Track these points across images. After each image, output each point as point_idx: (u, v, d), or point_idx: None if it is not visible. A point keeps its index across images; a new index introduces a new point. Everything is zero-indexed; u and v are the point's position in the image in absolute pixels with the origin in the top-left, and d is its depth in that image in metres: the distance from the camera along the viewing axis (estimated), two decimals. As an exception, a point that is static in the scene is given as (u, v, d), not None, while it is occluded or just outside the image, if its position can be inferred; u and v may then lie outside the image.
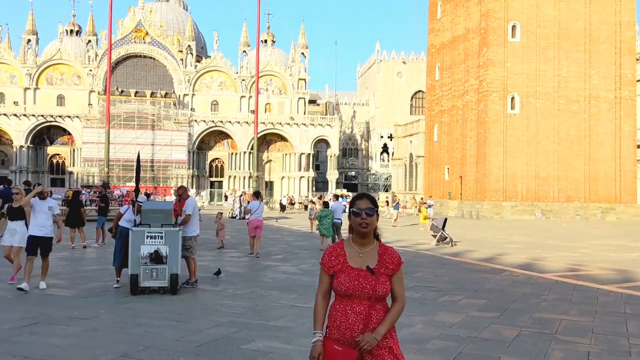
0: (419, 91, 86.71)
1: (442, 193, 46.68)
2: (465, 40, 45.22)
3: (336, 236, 17.42)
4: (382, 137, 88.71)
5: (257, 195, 16.56)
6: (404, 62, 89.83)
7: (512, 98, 42.46)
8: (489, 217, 40.24)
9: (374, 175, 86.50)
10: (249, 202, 16.02)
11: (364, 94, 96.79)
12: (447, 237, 19.21)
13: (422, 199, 37.58)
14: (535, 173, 42.56)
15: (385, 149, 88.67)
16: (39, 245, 9.49)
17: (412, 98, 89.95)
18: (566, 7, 43.02)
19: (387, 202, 36.13)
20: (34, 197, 9.64)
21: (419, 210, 33.77)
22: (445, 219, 20.45)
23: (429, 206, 35.43)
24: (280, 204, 52.23)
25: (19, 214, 10.25)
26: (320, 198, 23.88)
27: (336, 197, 24.72)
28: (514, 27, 42.50)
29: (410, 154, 57.26)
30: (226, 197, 44.81)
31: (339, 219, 17.60)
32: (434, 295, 9.87)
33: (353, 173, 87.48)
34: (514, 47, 42.44)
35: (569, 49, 43.12)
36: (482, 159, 42.68)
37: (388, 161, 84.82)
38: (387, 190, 70.50)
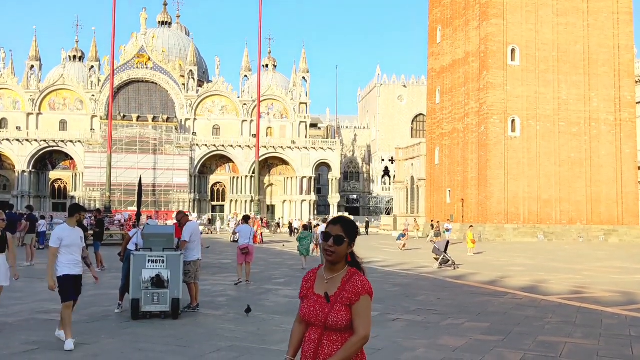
0: (420, 114, 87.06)
1: (443, 216, 46.53)
2: (465, 64, 45.56)
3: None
4: (383, 160, 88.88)
5: (246, 219, 16.10)
6: (404, 86, 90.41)
7: (513, 121, 42.62)
8: (491, 240, 40.09)
9: (375, 198, 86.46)
10: (237, 224, 15.65)
11: (365, 118, 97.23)
12: (449, 260, 19.14)
13: (437, 222, 36.83)
14: (537, 195, 42.50)
15: (386, 172, 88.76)
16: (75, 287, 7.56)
17: (413, 121, 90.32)
18: (565, 30, 43.41)
19: (431, 225, 35.08)
20: None
21: (435, 234, 33.37)
22: (447, 242, 20.40)
23: (447, 230, 34.79)
24: (290, 226, 50.96)
25: (2, 245, 8.34)
26: (324, 221, 24.13)
27: (324, 220, 25.14)
28: (513, 50, 42.84)
29: (412, 176, 57.27)
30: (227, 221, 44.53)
31: None
32: (436, 319, 9.80)
33: (355, 196, 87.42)
34: (514, 70, 42.73)
35: (569, 72, 43.39)
36: (483, 182, 42.68)
37: (390, 184, 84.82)
38: (388, 214, 70.35)
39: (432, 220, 36.92)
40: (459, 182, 45.82)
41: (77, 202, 65.52)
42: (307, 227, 21.16)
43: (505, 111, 42.36)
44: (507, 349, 7.64)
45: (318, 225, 23.44)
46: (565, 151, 43.03)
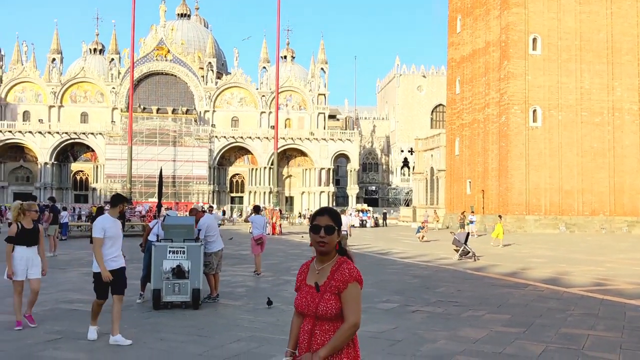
0: (440, 105, 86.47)
1: (463, 207, 46.19)
2: (485, 54, 45.06)
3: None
4: (402, 151, 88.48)
5: (256, 210, 15.91)
6: (423, 76, 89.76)
7: (534, 111, 42.09)
8: (512, 231, 39.74)
9: (394, 189, 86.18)
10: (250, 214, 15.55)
11: (384, 108, 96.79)
12: (469, 252, 19.01)
13: (462, 213, 36.40)
14: (558, 186, 42.00)
15: (405, 163, 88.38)
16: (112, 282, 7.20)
17: (432, 112, 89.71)
18: (587, 19, 42.67)
19: (461, 219, 34.66)
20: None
21: (461, 225, 32.88)
22: (468, 234, 20.26)
23: (471, 222, 34.40)
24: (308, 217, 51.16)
25: (35, 238, 8.06)
26: (342, 212, 24.16)
27: (342, 212, 25.05)
28: (534, 39, 42.24)
29: (431, 167, 56.92)
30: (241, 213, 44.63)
31: (345, 230, 18.79)
32: (457, 310, 9.74)
33: (373, 188, 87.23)
34: (535, 59, 42.14)
35: (591, 61, 42.69)
36: (504, 173, 42.28)
37: (409, 175, 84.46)
38: (408, 205, 70.10)
39: (462, 213, 36.52)
40: (479, 173, 45.45)
41: (98, 193, 66.39)
42: None
43: (526, 101, 41.86)
44: (528, 341, 7.57)
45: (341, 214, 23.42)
46: (588, 141, 42.41)
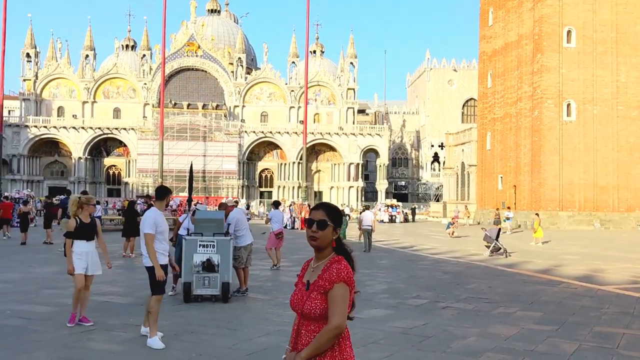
0: (471, 99, 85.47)
1: (495, 203, 45.64)
2: (518, 47, 44.32)
3: (367, 240, 19.90)
4: (432, 146, 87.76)
5: (276, 205, 16.22)
6: (454, 70, 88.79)
7: (568, 105, 41.28)
8: (544, 228, 38.95)
9: (424, 184, 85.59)
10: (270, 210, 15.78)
11: (414, 103, 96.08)
12: (501, 248, 18.76)
13: (497, 209, 35.70)
14: (593, 182, 41.14)
15: (436, 158, 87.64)
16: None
17: (463, 106, 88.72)
18: (624, 10, 41.60)
19: (496, 215, 34.02)
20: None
21: (495, 221, 32.29)
22: (499, 230, 19.99)
23: (508, 218, 33.76)
24: (343, 212, 51.18)
25: (93, 232, 7.93)
26: (367, 208, 24.24)
27: (366, 207, 25.67)
28: (569, 32, 41.38)
29: (462, 162, 56.33)
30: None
31: (369, 225, 20.16)
32: (487, 307, 9.63)
33: (403, 183, 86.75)
34: (569, 52, 41.29)
35: (628, 54, 41.64)
36: (537, 168, 41.61)
37: (439, 170, 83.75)
38: (438, 200, 69.55)
39: (497, 209, 35.99)
40: (512, 168, 44.82)
41: (130, 187, 67.45)
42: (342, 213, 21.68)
43: (560, 95, 41.08)
44: (561, 339, 7.43)
45: (364, 210, 23.51)
46: (624, 136, 41.43)
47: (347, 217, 50.43)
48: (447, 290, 11.47)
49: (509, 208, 37.57)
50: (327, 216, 3.00)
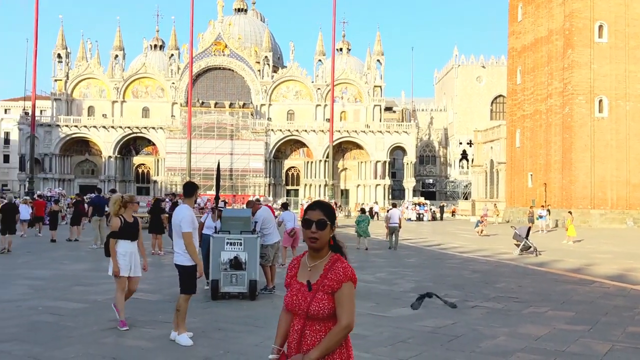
0: (500, 96, 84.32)
1: (525, 201, 45.03)
2: (548, 42, 43.59)
3: (393, 239, 19.94)
4: (460, 143, 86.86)
5: (285, 206, 16.80)
6: (483, 67, 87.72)
7: (600, 101, 40.46)
8: (575, 226, 38.39)
9: (452, 182, 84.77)
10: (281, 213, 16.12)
11: (442, 100, 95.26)
12: (531, 247, 18.48)
13: (531, 207, 34.98)
14: (626, 179, 40.27)
15: (464, 155, 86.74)
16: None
17: (492, 103, 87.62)
18: (658, 3, 40.62)
19: (530, 213, 33.08)
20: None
21: (529, 220, 31.62)
22: (529, 228, 19.70)
23: (541, 216, 33.15)
24: (371, 210, 50.70)
25: (137, 232, 7.76)
26: (394, 206, 24.24)
27: (393, 205, 25.66)
28: (600, 27, 40.54)
29: (491, 160, 55.64)
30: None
31: (395, 223, 20.14)
32: (517, 307, 9.49)
33: (431, 180, 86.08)
34: (601, 47, 40.47)
35: (662, 48, 40.65)
36: (567, 165, 40.90)
37: (467, 168, 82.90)
38: (466, 198, 68.85)
39: (530, 207, 35.37)
40: (542, 165, 44.14)
41: (159, 186, 68.28)
42: (364, 211, 22.14)
43: (591, 91, 40.31)
44: (593, 339, 7.28)
45: (391, 208, 23.44)
46: (659, 132, 40.47)
47: (372, 215, 50.72)
48: (476, 289, 11.33)
49: (542, 206, 36.74)
50: (325, 215, 2.96)
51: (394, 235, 20.08)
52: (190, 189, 7.24)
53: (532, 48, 45.94)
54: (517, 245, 18.83)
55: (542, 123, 44.16)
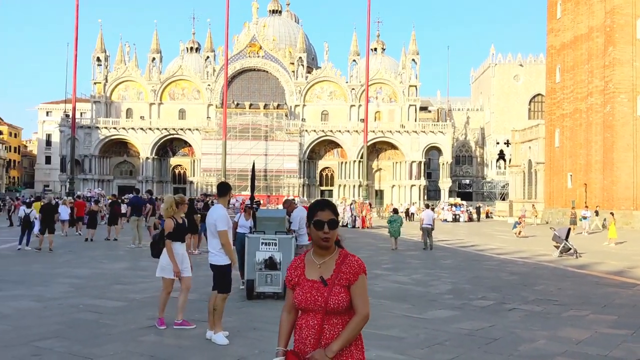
0: (538, 94, 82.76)
1: (564, 201, 44.08)
2: (588, 40, 42.59)
3: (427, 240, 20.01)
4: (497, 143, 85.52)
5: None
6: (520, 65, 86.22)
7: (643, 99, 39.33)
8: (617, 228, 37.36)
9: (489, 183, 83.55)
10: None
11: (478, 99, 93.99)
12: (570, 248, 18.06)
13: (573, 208, 34.08)
14: (670, 180, 39.04)
15: (501, 155, 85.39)
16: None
17: (530, 102, 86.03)
18: None
19: (572, 215, 32.18)
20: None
21: (572, 221, 30.80)
22: (569, 229, 19.25)
23: (584, 217, 32.37)
24: (407, 211, 50.50)
25: (184, 233, 7.78)
26: (427, 207, 24.15)
27: (427, 206, 25.31)
28: (643, 23, 39.41)
29: (529, 160, 54.62)
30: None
31: (429, 224, 20.17)
32: (557, 310, 9.27)
33: (467, 181, 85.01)
34: (644, 44, 39.35)
35: None
36: (609, 165, 39.87)
37: (504, 168, 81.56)
38: (504, 199, 67.75)
39: (572, 208, 34.53)
40: (582, 165, 43.14)
41: (195, 186, 69.13)
42: (396, 211, 22.33)
43: (634, 89, 39.23)
44: (637, 344, 7.07)
45: (424, 209, 23.30)
46: None
47: (409, 216, 50.40)
48: (514, 291, 11.12)
49: (586, 207, 35.78)
50: (334, 214, 3.05)
51: (428, 236, 20.08)
52: (224, 189, 7.36)
53: (571, 46, 44.96)
54: (557, 247, 18.42)
55: (582, 122, 43.17)
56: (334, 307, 2.92)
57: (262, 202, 45.57)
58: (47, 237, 17.82)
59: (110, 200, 26.91)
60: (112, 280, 11.86)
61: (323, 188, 73.77)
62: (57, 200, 26.04)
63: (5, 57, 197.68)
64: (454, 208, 49.15)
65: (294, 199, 13.02)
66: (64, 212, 25.58)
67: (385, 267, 14.90)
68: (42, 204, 19.80)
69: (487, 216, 55.45)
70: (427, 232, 20.13)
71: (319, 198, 3.32)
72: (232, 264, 7.01)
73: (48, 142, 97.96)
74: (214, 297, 7.02)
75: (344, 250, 3.09)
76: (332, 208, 3.07)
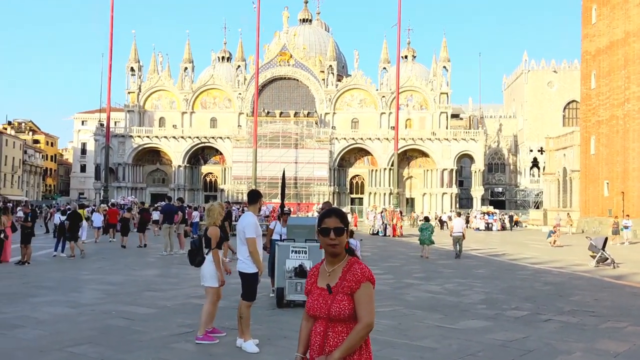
0: (572, 101, 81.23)
1: (600, 210, 43.08)
2: (624, 45, 41.67)
3: (458, 247, 20.18)
4: (531, 150, 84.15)
5: (351, 234, 16.22)
6: (554, 71, 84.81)
7: (682, 105, 38.27)
8: (656, 237, 36.37)
9: (523, 191, 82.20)
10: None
11: (511, 106, 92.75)
12: (608, 258, 17.61)
13: (616, 217, 33.15)
14: None
15: (535, 163, 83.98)
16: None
17: (564, 108, 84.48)
18: None
19: (615, 225, 31.40)
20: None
21: (614, 231, 30.09)
22: (606, 239, 18.79)
23: (626, 227, 31.46)
24: (440, 220, 50.01)
25: (222, 241, 7.71)
26: (458, 215, 24.04)
27: (458, 214, 25.29)
28: (682, 26, 38.43)
29: (564, 168, 53.58)
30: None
31: (459, 232, 20.22)
32: (594, 321, 9.02)
33: (500, 189, 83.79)
34: (683, 48, 38.34)
35: None
36: (646, 173, 38.83)
37: (538, 176, 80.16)
38: (538, 207, 66.55)
39: (615, 217, 33.59)
40: (619, 173, 42.12)
41: (225, 194, 69.67)
42: (427, 219, 22.73)
43: (672, 94, 38.19)
44: (681, 358, 6.81)
45: (450, 218, 23.26)
46: None
47: (442, 224, 49.83)
48: (548, 301, 10.87)
49: (627, 216, 34.72)
50: (341, 222, 3.09)
51: (458, 244, 20.09)
52: (254, 197, 7.34)
53: (607, 51, 44.06)
54: (593, 257, 17.99)
55: (619, 129, 42.20)
56: (335, 315, 2.96)
57: (292, 210, 45.68)
58: (70, 244, 18.04)
59: (139, 208, 27.34)
60: (144, 287, 11.98)
61: (353, 196, 73.57)
62: (93, 207, 26.51)
63: (43, 69, 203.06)
64: (486, 216, 48.46)
65: (329, 202, 12.98)
66: (97, 219, 26.15)
67: (416, 276, 14.73)
68: (67, 210, 20.23)
69: (515, 224, 54.48)
70: (457, 240, 20.13)
71: (332, 206, 3.36)
72: (259, 273, 7.00)
73: (83, 151, 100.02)
74: (240, 305, 7.01)
75: (353, 258, 3.12)
76: (340, 216, 3.13)
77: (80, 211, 20.53)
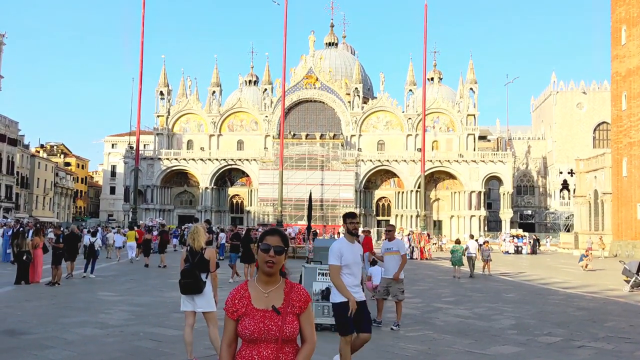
0: (603, 122, 79.98)
1: (634, 233, 42.04)
2: (655, 65, 40.99)
3: (471, 266, 21.79)
4: (561, 172, 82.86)
5: (374, 262, 14.06)
6: (584, 92, 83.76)
7: None
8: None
9: (553, 214, 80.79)
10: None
11: (540, 128, 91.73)
12: (642, 283, 17.10)
13: None
14: None
15: (565, 185, 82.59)
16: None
17: (594, 130, 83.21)
18: None
19: None
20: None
21: None
22: (640, 263, 18.25)
23: None
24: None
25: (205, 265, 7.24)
26: (471, 237, 25.08)
27: (471, 236, 25.51)
28: None
29: (595, 190, 52.58)
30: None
31: (473, 253, 22.04)
32: (629, 348, 8.74)
33: (529, 212, 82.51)
34: None
35: None
36: (681, 195, 37.83)
37: (569, 199, 78.77)
38: (568, 231, 65.26)
39: None
40: (651, 195, 41.11)
41: (252, 216, 69.90)
42: (458, 241, 23.62)
43: None
44: None
45: (484, 241, 23.77)
46: None
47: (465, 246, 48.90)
48: (582, 327, 10.57)
49: None
50: (282, 242, 3.10)
51: (471, 264, 21.83)
52: (343, 217, 6.70)
53: (638, 72, 43.40)
54: (627, 281, 17.50)
55: (652, 150, 41.31)
56: (289, 336, 2.96)
57: (318, 231, 45.59)
58: (68, 265, 18.01)
59: (160, 230, 27.80)
60: (171, 308, 11.99)
61: (379, 218, 73.16)
62: (122, 229, 26.95)
63: (75, 93, 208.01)
64: (515, 239, 47.68)
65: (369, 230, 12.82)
66: (119, 240, 27.01)
67: (445, 300, 14.50)
68: (96, 232, 20.72)
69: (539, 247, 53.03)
70: (471, 260, 21.86)
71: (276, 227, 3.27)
72: (349, 303, 6.11)
73: (113, 173, 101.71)
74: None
75: (288, 280, 3.14)
76: (282, 236, 3.14)
77: (129, 233, 21.08)
